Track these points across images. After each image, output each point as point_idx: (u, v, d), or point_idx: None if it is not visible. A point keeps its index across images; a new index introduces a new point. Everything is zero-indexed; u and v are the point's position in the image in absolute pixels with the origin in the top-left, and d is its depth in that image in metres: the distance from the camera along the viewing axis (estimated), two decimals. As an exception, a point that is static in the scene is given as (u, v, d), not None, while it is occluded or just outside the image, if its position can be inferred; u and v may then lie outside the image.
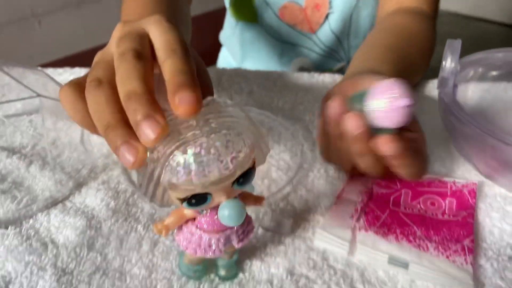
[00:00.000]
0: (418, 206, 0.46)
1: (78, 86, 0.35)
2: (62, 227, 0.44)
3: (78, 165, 0.52)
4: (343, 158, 0.47)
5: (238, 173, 0.32)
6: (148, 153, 0.31)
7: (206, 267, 0.40)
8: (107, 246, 0.43)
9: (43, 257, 0.41)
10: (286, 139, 0.57)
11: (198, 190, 0.32)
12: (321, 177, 0.51)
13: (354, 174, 0.49)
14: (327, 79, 0.70)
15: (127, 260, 0.41)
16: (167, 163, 0.31)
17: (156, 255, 0.42)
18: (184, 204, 0.33)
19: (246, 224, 0.38)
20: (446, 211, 0.46)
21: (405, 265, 0.40)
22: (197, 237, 0.36)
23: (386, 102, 0.40)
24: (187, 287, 0.39)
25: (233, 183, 0.33)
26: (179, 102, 0.30)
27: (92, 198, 0.48)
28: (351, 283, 0.40)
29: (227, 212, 0.33)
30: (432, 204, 0.47)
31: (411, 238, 0.42)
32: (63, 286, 0.39)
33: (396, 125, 0.40)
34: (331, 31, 0.90)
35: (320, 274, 0.40)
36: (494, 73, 0.55)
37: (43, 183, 0.49)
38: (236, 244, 0.37)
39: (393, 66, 0.55)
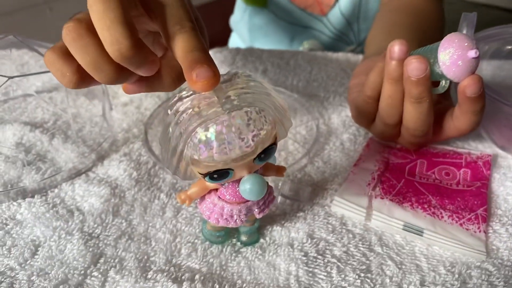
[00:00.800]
0: (433, 176, 0.47)
1: (60, 48, 0.33)
2: (86, 195, 0.46)
3: (100, 139, 0.53)
4: (377, 122, 0.48)
5: (259, 149, 0.33)
6: (170, 128, 0.32)
7: (228, 233, 0.42)
8: (131, 213, 0.44)
9: (69, 222, 0.43)
10: (302, 114, 0.58)
11: (220, 166, 0.33)
12: (337, 150, 0.52)
13: (383, 137, 0.50)
14: (341, 57, 0.71)
15: (151, 226, 0.43)
16: (189, 140, 0.31)
17: (179, 221, 0.43)
18: (206, 178, 0.34)
19: (267, 195, 0.39)
20: (461, 181, 0.47)
21: (419, 232, 0.41)
22: (219, 208, 0.37)
23: (455, 54, 0.39)
24: (210, 251, 0.40)
25: (254, 159, 0.34)
26: (197, 78, 0.30)
27: (115, 169, 0.49)
28: (370, 246, 0.41)
29: (248, 186, 0.34)
30: (447, 174, 0.48)
31: (425, 206, 0.43)
32: (90, 249, 0.40)
33: (464, 77, 0.40)
34: (341, 13, 0.91)
35: (339, 238, 0.42)
36: (509, 47, 0.55)
37: (66, 155, 0.51)
38: (257, 214, 0.38)
39: (417, 45, 0.56)
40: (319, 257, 0.40)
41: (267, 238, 0.42)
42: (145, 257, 0.40)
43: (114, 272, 0.38)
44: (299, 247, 0.41)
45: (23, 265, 0.39)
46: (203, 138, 0.31)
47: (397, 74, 0.43)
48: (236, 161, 0.33)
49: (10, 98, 0.61)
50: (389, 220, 0.42)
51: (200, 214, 0.44)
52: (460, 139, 0.53)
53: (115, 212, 0.44)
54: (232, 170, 0.34)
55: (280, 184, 0.46)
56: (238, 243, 0.41)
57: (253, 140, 0.32)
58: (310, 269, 0.39)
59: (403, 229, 0.42)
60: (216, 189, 0.37)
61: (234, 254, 0.40)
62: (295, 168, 0.49)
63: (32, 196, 0.46)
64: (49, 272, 0.38)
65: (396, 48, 0.42)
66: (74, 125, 0.55)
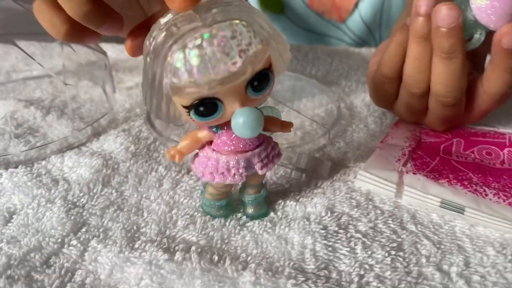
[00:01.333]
0: (472, 155, 0.41)
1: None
2: (76, 166, 0.40)
3: (98, 116, 0.48)
4: (402, 95, 0.42)
5: (250, 71, 0.27)
6: (147, 58, 0.28)
7: (230, 205, 0.35)
8: (124, 184, 0.38)
9: (52, 191, 0.37)
10: (321, 98, 0.52)
11: (205, 93, 0.27)
12: (361, 131, 0.46)
13: (409, 116, 0.44)
14: (364, 51, 0.66)
15: (145, 197, 0.37)
16: (166, 62, 0.27)
17: (178, 193, 0.37)
18: (192, 114, 0.28)
19: (270, 148, 0.33)
20: (506, 161, 0.40)
21: (460, 210, 0.35)
22: (213, 161, 0.32)
23: None
24: (211, 224, 0.34)
25: (247, 87, 0.28)
26: None
27: (111, 143, 0.44)
28: (401, 223, 0.34)
29: (241, 119, 0.28)
30: (488, 154, 0.41)
31: (466, 183, 0.37)
32: (72, 217, 0.35)
33: (501, 24, 0.35)
34: (362, 20, 0.87)
35: (365, 214, 0.35)
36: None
37: (59, 131, 0.46)
38: (260, 169, 0.32)
39: None
40: (341, 231, 0.33)
41: (279, 213, 0.35)
42: (134, 227, 0.34)
43: (96, 241, 0.32)
44: (317, 220, 0.34)
45: (-8, 232, 0.33)
46: (181, 56, 0.26)
47: (424, 31, 0.37)
48: (223, 84, 0.27)
49: (26, 78, 0.57)
50: (423, 196, 0.36)
51: (200, 185, 0.38)
52: (500, 123, 0.47)
53: (105, 182, 0.39)
54: (221, 101, 0.28)
55: (295, 158, 0.40)
56: (244, 218, 0.35)
57: (240, 56, 0.27)
58: (330, 243, 0.32)
59: (440, 206, 0.35)
60: (211, 143, 0.32)
61: (238, 228, 0.34)
62: (312, 148, 0.43)
63: (16, 167, 0.41)
64: (21, 240, 0.33)
65: (423, 1, 0.37)
66: (73, 104, 0.51)
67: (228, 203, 0.35)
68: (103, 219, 0.35)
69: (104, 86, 0.50)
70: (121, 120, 0.48)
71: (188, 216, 0.35)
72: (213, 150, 0.32)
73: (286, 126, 0.34)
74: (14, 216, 0.35)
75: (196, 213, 0.35)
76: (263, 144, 0.32)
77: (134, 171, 0.40)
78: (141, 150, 0.43)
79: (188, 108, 0.28)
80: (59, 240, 0.33)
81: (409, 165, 0.39)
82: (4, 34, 0.54)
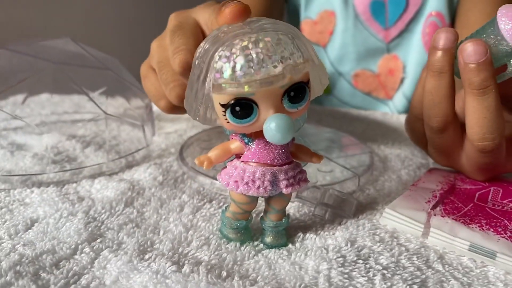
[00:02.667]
0: (511, 204, 0.38)
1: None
2: (103, 189, 0.41)
3: (133, 150, 0.50)
4: (426, 132, 0.41)
5: (288, 78, 0.29)
6: (196, 61, 0.30)
7: (249, 230, 0.35)
8: (146, 206, 0.39)
9: (76, 205, 0.38)
10: (354, 150, 0.52)
11: (243, 92, 0.28)
12: (393, 181, 0.45)
13: (442, 159, 0.43)
14: (401, 119, 0.66)
15: (164, 219, 0.37)
16: (212, 61, 0.29)
17: (197, 217, 0.37)
18: (228, 115, 0.29)
19: (298, 170, 0.33)
20: (549, 215, 0.37)
21: (491, 255, 0.32)
22: (240, 170, 0.32)
23: None
24: (225, 246, 0.33)
25: (283, 96, 0.29)
26: (225, 7, 0.30)
27: (141, 173, 0.45)
28: (427, 262, 0.32)
29: (274, 123, 0.29)
30: (530, 207, 0.38)
31: (499, 229, 0.34)
32: (89, 229, 0.35)
33: None
34: (404, 96, 0.88)
35: (388, 249, 0.33)
36: None
37: (95, 161, 0.47)
38: (285, 188, 0.32)
39: None
40: (360, 261, 0.31)
41: (297, 244, 0.34)
42: (148, 242, 0.33)
43: (108, 251, 0.32)
44: (336, 249, 0.32)
45: (12, 236, 0.34)
46: (227, 54, 0.28)
47: (440, 65, 0.37)
48: (262, 85, 0.28)
49: (76, 120, 0.61)
50: (451, 239, 0.33)
51: (220, 212, 0.37)
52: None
53: (128, 203, 0.39)
54: (257, 105, 0.29)
55: (319, 193, 0.39)
56: (261, 245, 0.34)
57: (281, 62, 0.28)
58: (347, 271, 0.30)
59: (469, 250, 0.33)
60: (240, 156, 0.32)
61: (253, 253, 0.33)
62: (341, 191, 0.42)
63: (48, 186, 0.42)
64: (36, 243, 0.33)
65: (442, 35, 0.37)
66: (112, 141, 0.53)
67: (247, 228, 0.34)
68: (120, 233, 0.34)
69: (143, 126, 0.52)
70: (155, 156, 0.49)
71: (203, 238, 0.34)
72: (242, 161, 0.32)
73: (316, 156, 0.34)
74: (36, 224, 0.35)
75: (212, 236, 0.34)
76: (292, 164, 0.32)
77: (158, 196, 0.40)
78: (169, 180, 0.43)
79: (225, 107, 0.29)
80: (73, 246, 0.32)
81: (438, 208, 0.37)
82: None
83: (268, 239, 0.34)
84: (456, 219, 0.35)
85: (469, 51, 0.35)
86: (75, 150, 0.50)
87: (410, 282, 0.29)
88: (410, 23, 0.84)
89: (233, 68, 0.28)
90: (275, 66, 0.28)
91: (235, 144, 0.32)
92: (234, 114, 0.29)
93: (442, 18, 0.83)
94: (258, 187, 0.31)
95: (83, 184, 0.42)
